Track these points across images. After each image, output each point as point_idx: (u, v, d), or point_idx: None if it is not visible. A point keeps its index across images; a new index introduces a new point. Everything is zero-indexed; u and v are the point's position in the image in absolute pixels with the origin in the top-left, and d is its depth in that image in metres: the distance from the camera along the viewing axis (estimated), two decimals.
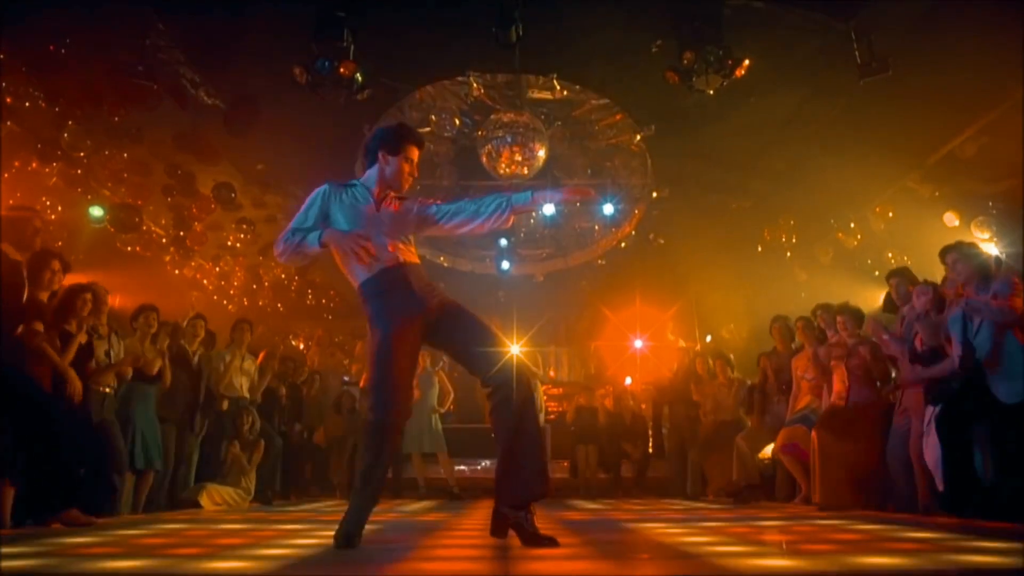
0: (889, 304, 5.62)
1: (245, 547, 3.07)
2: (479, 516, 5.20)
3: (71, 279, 4.76)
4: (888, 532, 3.51)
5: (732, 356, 8.35)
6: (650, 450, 9.72)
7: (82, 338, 4.66)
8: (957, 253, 4.50)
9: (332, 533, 2.99)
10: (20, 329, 4.14)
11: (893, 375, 5.56)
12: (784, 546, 3.05)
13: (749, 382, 7.67)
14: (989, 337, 4.15)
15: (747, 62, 6.74)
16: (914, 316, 4.82)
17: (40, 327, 4.25)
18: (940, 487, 4.35)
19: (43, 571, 2.40)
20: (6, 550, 2.85)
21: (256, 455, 6.95)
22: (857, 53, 6.84)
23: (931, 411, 4.50)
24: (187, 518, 5.06)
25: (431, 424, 8.47)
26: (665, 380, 9.24)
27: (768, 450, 7.16)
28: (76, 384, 4.41)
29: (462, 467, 9.32)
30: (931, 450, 4.38)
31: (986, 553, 2.70)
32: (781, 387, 6.83)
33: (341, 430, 8.81)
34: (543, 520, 4.67)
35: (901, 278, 5.47)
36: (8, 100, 7.42)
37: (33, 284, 4.32)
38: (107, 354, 5.26)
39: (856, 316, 5.82)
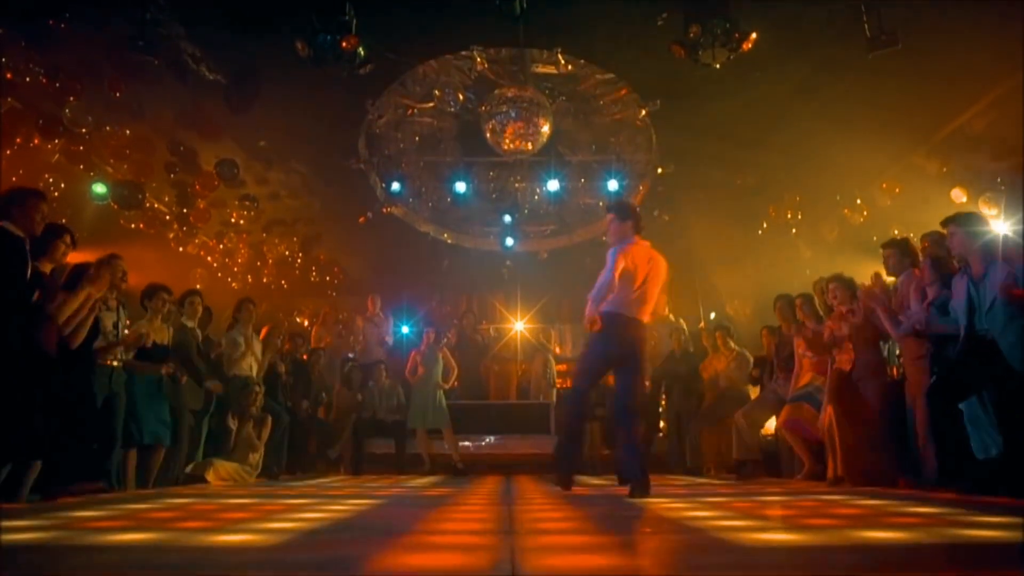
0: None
1: (252, 521, 3.10)
2: (484, 492, 5.24)
3: (73, 257, 4.76)
4: (889, 507, 3.52)
5: (731, 327, 8.35)
6: (661, 425, 9.77)
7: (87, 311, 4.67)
8: (960, 227, 4.39)
9: (337, 507, 3.01)
10: (32, 302, 4.15)
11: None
12: (784, 521, 3.07)
13: (752, 357, 7.67)
14: (1002, 309, 4.08)
15: (754, 35, 6.66)
16: (927, 309, 4.69)
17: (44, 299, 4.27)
18: (932, 461, 4.37)
19: (53, 544, 2.43)
20: (17, 523, 2.88)
21: (264, 431, 6.99)
22: (866, 26, 6.74)
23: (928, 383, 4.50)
24: (194, 493, 5.11)
25: (436, 400, 8.53)
26: (668, 358, 9.23)
27: (770, 426, 7.17)
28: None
29: (466, 443, 9.38)
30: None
31: (985, 528, 2.71)
32: (782, 364, 6.82)
33: (347, 406, 8.86)
34: (548, 496, 4.71)
35: (895, 249, 5.39)
36: (8, 75, 7.37)
37: (44, 257, 4.35)
38: (115, 326, 5.26)
39: (847, 285, 5.72)
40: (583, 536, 2.68)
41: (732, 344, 7.92)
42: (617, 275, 4.44)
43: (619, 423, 4.62)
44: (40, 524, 2.91)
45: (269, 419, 7.04)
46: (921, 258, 5.18)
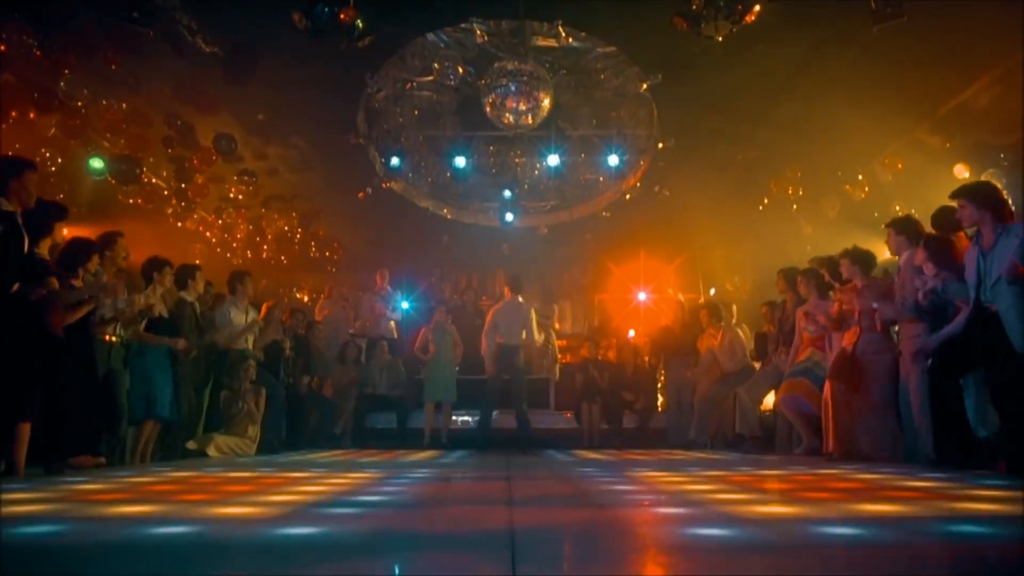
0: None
1: (252, 494, 3.12)
2: (484, 466, 5.28)
3: (70, 231, 4.74)
4: (887, 481, 3.55)
5: (721, 306, 8.33)
6: (660, 399, 9.82)
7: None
8: (970, 199, 4.30)
9: (337, 481, 3.03)
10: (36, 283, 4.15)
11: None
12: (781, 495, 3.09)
13: (749, 333, 7.68)
14: (1006, 288, 4.04)
15: (757, 7, 6.56)
16: (927, 287, 4.64)
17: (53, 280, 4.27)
18: (929, 437, 4.39)
19: (56, 516, 2.45)
20: (21, 496, 2.90)
21: (260, 403, 7.00)
22: None
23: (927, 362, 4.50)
24: (196, 466, 5.14)
25: (451, 374, 8.68)
26: (664, 332, 9.26)
27: (769, 401, 7.20)
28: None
29: (467, 418, 9.43)
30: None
31: (983, 501, 2.74)
32: (785, 338, 6.81)
33: (346, 381, 8.89)
34: (546, 469, 4.75)
35: (895, 228, 5.31)
36: (2, 48, 7.28)
37: (47, 235, 4.34)
38: (114, 301, 5.23)
39: (857, 260, 5.61)
40: (582, 510, 2.70)
41: (721, 323, 7.89)
42: (487, 323, 7.98)
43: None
44: (44, 496, 2.93)
45: (263, 390, 7.05)
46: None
